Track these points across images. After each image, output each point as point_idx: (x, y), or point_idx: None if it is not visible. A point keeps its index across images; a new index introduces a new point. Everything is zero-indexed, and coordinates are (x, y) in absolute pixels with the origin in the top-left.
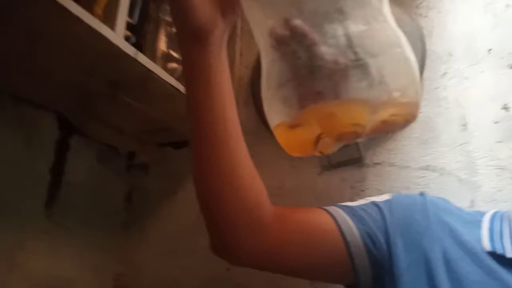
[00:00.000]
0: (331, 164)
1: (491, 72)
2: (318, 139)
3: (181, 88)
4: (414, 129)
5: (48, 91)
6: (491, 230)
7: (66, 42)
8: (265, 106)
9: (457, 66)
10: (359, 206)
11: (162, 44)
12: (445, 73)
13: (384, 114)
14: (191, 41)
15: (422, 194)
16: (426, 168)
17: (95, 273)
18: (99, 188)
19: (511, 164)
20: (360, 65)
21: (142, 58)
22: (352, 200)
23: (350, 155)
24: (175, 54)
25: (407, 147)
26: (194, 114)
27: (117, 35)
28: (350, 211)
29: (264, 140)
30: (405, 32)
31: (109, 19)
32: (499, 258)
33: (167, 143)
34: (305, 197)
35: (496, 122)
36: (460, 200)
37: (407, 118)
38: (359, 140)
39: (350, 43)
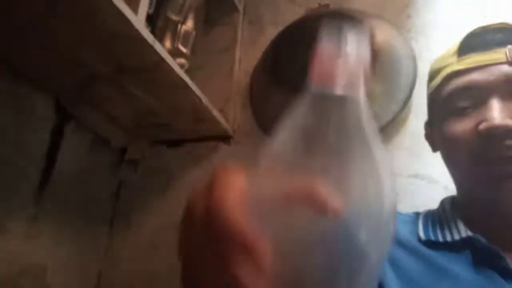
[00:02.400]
0: None
1: None
2: None
3: (188, 81)
4: (403, 140)
5: (49, 67)
6: (424, 224)
7: (87, 15)
8: None
9: None
10: None
11: (168, 42)
12: None
13: None
14: None
15: None
16: (415, 176)
17: (72, 264)
18: (88, 179)
19: None
20: None
21: (158, 47)
22: None
23: None
24: (183, 49)
25: (397, 157)
26: None
27: (139, 20)
28: None
29: (259, 141)
30: (399, 54)
31: (132, 3)
32: (434, 244)
33: (162, 141)
34: None
35: None
36: None
37: None
38: None
39: None
